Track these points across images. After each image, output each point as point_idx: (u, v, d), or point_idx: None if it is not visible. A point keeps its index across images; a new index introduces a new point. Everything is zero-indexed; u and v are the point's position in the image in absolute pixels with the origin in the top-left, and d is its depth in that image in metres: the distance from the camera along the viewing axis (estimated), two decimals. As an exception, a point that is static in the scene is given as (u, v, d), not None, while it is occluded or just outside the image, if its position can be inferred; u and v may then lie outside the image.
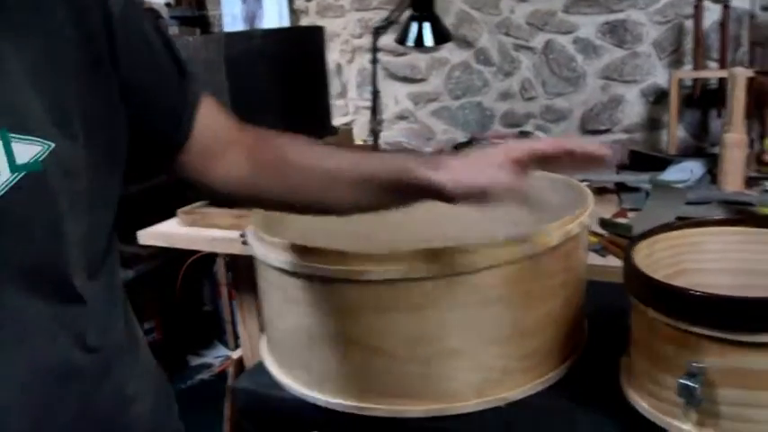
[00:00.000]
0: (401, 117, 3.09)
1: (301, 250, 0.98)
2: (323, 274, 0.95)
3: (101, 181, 0.76)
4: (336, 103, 3.19)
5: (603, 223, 1.69)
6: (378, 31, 2.33)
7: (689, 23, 2.54)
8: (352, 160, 0.89)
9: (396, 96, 3.08)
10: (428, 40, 2.16)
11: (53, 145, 0.67)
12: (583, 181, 2.00)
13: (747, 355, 0.80)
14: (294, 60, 1.98)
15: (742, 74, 2.04)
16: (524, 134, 2.70)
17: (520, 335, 1.00)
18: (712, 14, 2.52)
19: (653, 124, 2.75)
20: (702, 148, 2.62)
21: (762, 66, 2.40)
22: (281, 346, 1.12)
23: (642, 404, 0.92)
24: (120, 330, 0.84)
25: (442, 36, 2.21)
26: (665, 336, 0.85)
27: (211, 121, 0.88)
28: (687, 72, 2.57)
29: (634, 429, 0.92)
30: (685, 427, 0.85)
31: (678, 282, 1.04)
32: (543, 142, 0.89)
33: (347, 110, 3.21)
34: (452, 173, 0.81)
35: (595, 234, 1.62)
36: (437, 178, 0.81)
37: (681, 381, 0.82)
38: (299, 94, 1.98)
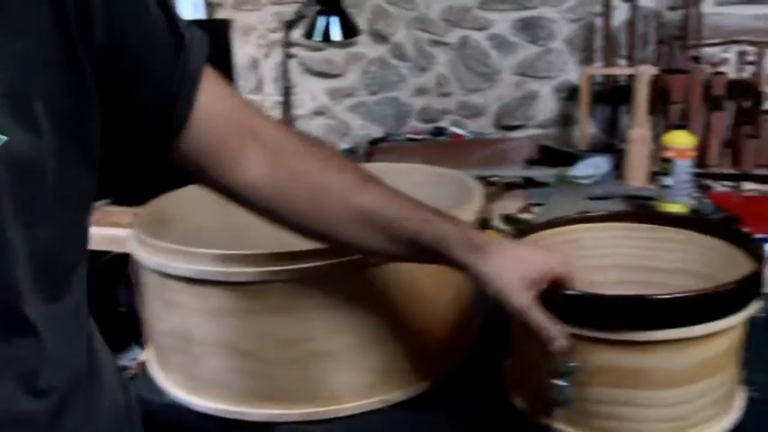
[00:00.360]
0: (318, 113, 3.05)
1: (175, 252, 0.94)
2: (194, 276, 0.92)
3: (70, 179, 0.61)
4: (253, 98, 3.14)
5: (506, 219, 1.69)
6: (290, 26, 2.29)
7: (599, 21, 2.57)
8: (389, 204, 0.80)
9: (312, 92, 3.04)
10: (336, 34, 2.13)
11: (4, 138, 0.54)
12: (492, 176, 2.01)
13: (617, 354, 0.80)
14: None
15: (646, 72, 2.08)
16: (440, 130, 2.69)
17: (401, 335, 0.98)
18: (621, 13, 2.55)
19: (566, 120, 2.78)
20: (612, 143, 2.65)
21: (667, 64, 2.45)
22: (162, 350, 1.08)
23: (522, 404, 0.91)
24: (80, 364, 0.68)
25: (349, 31, 2.18)
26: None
27: (218, 101, 0.73)
28: (597, 69, 2.60)
29: (516, 430, 0.92)
30: (560, 426, 0.85)
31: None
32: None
33: (264, 105, 3.16)
34: (496, 268, 0.78)
35: (498, 230, 1.62)
36: (481, 271, 0.78)
37: (553, 380, 0.81)
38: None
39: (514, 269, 0.78)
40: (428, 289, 1.00)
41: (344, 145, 2.72)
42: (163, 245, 0.95)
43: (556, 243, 1.06)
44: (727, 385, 0.84)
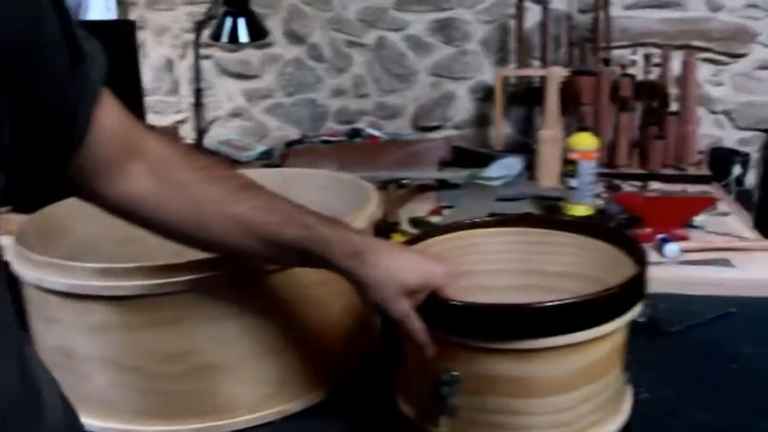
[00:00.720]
0: (235, 114, 3.01)
1: (54, 266, 0.90)
2: (73, 291, 0.88)
3: None
4: (168, 100, 3.08)
5: (413, 222, 1.69)
6: (199, 27, 2.25)
7: (513, 23, 2.60)
8: (268, 211, 0.80)
9: (229, 93, 2.99)
10: (243, 36, 2.10)
11: None
12: (404, 178, 2.01)
13: (500, 363, 0.80)
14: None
15: (556, 73, 2.11)
16: (356, 131, 2.69)
17: (295, 345, 0.97)
18: (534, 15, 2.58)
19: (482, 121, 2.80)
20: (528, 143, 2.68)
21: (579, 66, 2.49)
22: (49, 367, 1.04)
23: (410, 412, 0.91)
24: (12, 389, 0.61)
25: (257, 32, 2.15)
26: (451, 351, 0.84)
27: (112, 120, 0.75)
28: (511, 70, 2.63)
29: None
30: (444, 434, 0.84)
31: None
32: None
33: (180, 107, 3.10)
34: (376, 277, 0.78)
35: (405, 234, 1.61)
36: (361, 277, 0.79)
37: (435, 389, 0.81)
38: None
39: (394, 276, 0.78)
40: (320, 297, 0.98)
41: (261, 147, 2.68)
42: (40, 258, 0.91)
43: (453, 248, 1.06)
44: (612, 389, 0.85)
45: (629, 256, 0.91)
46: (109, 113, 0.74)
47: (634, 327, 1.17)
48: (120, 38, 1.99)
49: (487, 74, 2.73)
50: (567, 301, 0.77)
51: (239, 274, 0.89)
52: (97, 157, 0.74)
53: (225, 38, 2.11)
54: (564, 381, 0.80)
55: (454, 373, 0.80)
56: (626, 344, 0.84)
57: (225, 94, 2.99)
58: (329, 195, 1.25)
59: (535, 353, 0.78)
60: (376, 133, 2.68)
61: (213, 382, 0.93)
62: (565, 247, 1.03)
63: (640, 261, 0.87)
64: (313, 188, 1.29)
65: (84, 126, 0.71)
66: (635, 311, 0.83)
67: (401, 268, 0.79)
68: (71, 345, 0.93)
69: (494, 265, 1.07)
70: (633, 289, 0.83)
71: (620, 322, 0.81)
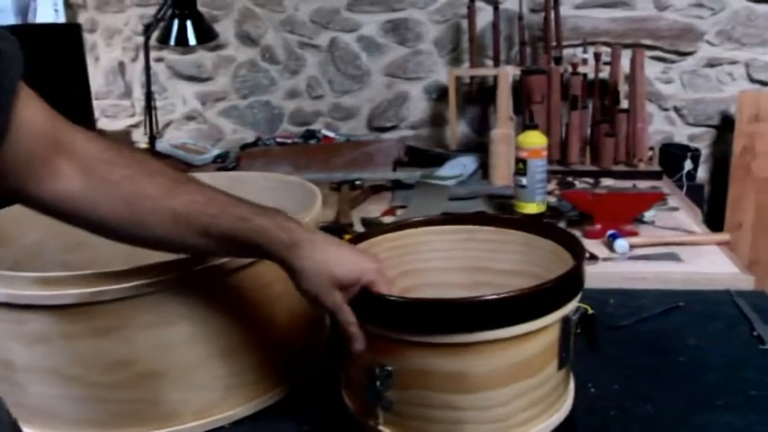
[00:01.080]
0: (190, 117, 2.98)
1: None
2: (8, 301, 0.86)
3: None
4: (121, 104, 3.04)
5: (365, 222, 1.69)
6: (148, 29, 2.23)
7: (465, 23, 2.61)
8: (204, 203, 0.80)
9: (183, 96, 2.96)
10: (191, 38, 2.08)
11: None
12: (357, 179, 2.01)
13: (428, 357, 0.80)
14: (46, 60, 1.85)
15: (506, 72, 2.12)
16: (311, 133, 2.68)
17: (239, 351, 0.96)
18: (486, 15, 2.60)
19: (437, 120, 2.81)
20: (483, 143, 2.70)
21: (531, 65, 2.51)
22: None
23: (351, 405, 0.91)
24: None
25: (205, 34, 2.14)
26: (384, 346, 0.84)
27: (34, 117, 0.73)
28: (464, 70, 2.64)
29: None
30: (383, 428, 0.84)
31: (403, 282, 1.04)
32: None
33: (134, 110, 3.06)
34: (309, 267, 0.79)
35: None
36: (296, 267, 0.80)
37: (370, 384, 0.81)
38: (53, 96, 1.85)
39: (327, 268, 0.79)
40: (266, 301, 0.98)
41: (216, 150, 2.66)
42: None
43: (402, 246, 1.06)
44: (549, 385, 0.84)
45: (570, 254, 0.92)
46: (30, 111, 0.73)
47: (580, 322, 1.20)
48: (66, 41, 1.95)
49: (441, 74, 2.75)
50: (498, 296, 0.77)
51: (180, 280, 0.88)
52: (21, 156, 0.73)
53: (173, 40, 2.09)
54: (497, 376, 0.80)
55: (387, 368, 0.80)
56: (564, 340, 0.84)
57: (179, 98, 2.97)
58: (276, 198, 1.24)
59: (467, 347, 0.78)
60: (331, 134, 2.68)
61: (157, 390, 0.92)
62: (511, 245, 1.04)
63: (578, 257, 0.87)
64: (260, 191, 1.28)
65: (2, 123, 0.70)
66: (570, 307, 0.83)
67: (334, 262, 0.80)
68: (10, 356, 0.91)
69: (442, 263, 1.07)
70: (567, 285, 0.83)
71: (554, 317, 0.81)
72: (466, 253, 1.08)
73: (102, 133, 2.32)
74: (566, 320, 0.84)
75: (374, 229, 1.08)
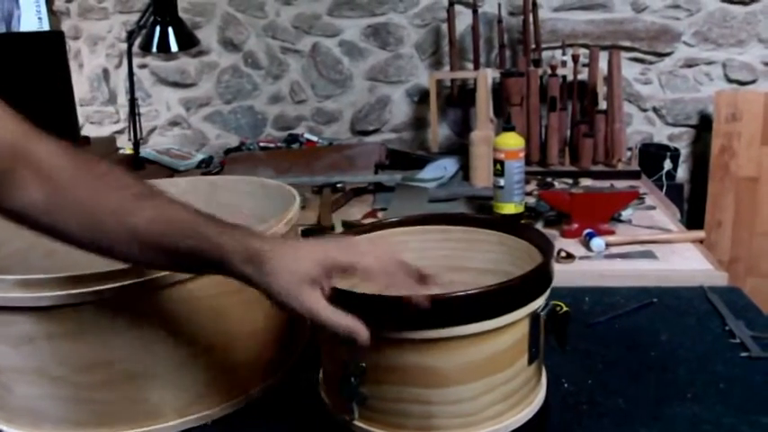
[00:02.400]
0: (174, 123, 2.99)
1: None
2: (-10, 303, 0.88)
3: None
4: (106, 110, 3.05)
5: (345, 225, 1.71)
6: (131, 36, 2.24)
7: (445, 27, 2.64)
8: (167, 221, 0.78)
9: (167, 102, 2.98)
10: (173, 45, 2.10)
11: None
12: (338, 182, 2.03)
13: (399, 353, 0.82)
14: (30, 68, 1.86)
15: (485, 75, 2.15)
16: (294, 137, 2.70)
17: (218, 350, 0.98)
18: (466, 18, 2.62)
19: (419, 123, 2.84)
20: (464, 145, 2.72)
21: (510, 67, 2.54)
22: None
23: (329, 403, 0.93)
24: None
25: (186, 41, 2.15)
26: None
27: None
28: (444, 73, 2.67)
29: (324, 427, 0.94)
30: (357, 423, 0.87)
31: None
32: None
33: (118, 117, 3.07)
34: (273, 277, 0.76)
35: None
36: (261, 284, 0.77)
37: (344, 379, 0.84)
38: (36, 104, 1.86)
39: (292, 272, 0.76)
40: (245, 300, 0.99)
41: (200, 155, 2.67)
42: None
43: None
44: (519, 380, 0.86)
45: (540, 251, 0.94)
46: None
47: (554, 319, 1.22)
48: (49, 49, 1.97)
49: (422, 77, 2.77)
50: (466, 293, 0.79)
51: (158, 283, 0.90)
52: None
53: (155, 47, 2.11)
54: (467, 371, 0.82)
55: (361, 364, 0.82)
56: (533, 335, 0.86)
57: (163, 103, 2.98)
58: (255, 201, 1.26)
59: (438, 343, 0.80)
60: (314, 139, 2.70)
61: (138, 389, 0.93)
62: (486, 245, 1.06)
63: (545, 255, 0.90)
64: (240, 194, 1.30)
65: None
66: (538, 303, 0.85)
67: (297, 260, 0.77)
68: (-5, 359, 0.93)
69: (418, 263, 1.09)
70: (535, 281, 0.85)
71: (522, 313, 0.83)
72: (441, 252, 1.10)
73: (86, 140, 2.34)
74: (535, 316, 0.86)
75: (352, 229, 1.10)
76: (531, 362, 0.87)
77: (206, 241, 0.77)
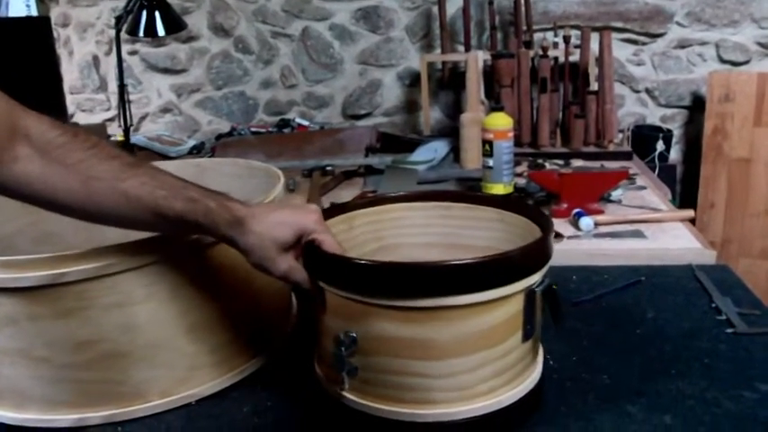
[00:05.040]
0: (165, 110, 2.98)
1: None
2: (-27, 284, 0.87)
3: None
4: (96, 98, 3.04)
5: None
6: (119, 21, 2.23)
7: (436, 9, 2.63)
8: (155, 186, 0.84)
9: (158, 89, 2.97)
10: (159, 29, 2.09)
11: None
12: (328, 165, 2.03)
13: (391, 322, 0.81)
14: (15, 54, 1.85)
15: (475, 57, 2.14)
16: (285, 122, 2.69)
17: (204, 329, 0.98)
18: (457, 1, 2.61)
19: (411, 107, 2.83)
20: (456, 127, 2.71)
21: (501, 49, 2.53)
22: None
23: (321, 375, 0.93)
24: None
25: (173, 25, 2.14)
26: (331, 306, 0.87)
27: None
28: (435, 56, 2.66)
29: (321, 405, 0.93)
30: (345, 394, 0.87)
31: (380, 256, 1.06)
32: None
33: (109, 104, 3.06)
34: (254, 243, 0.84)
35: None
36: (241, 243, 0.85)
37: (335, 350, 0.84)
38: (23, 90, 1.85)
39: (269, 236, 0.84)
40: (231, 279, 0.99)
41: (192, 142, 2.67)
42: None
43: (377, 221, 1.07)
44: (513, 356, 0.85)
45: (539, 227, 0.94)
46: None
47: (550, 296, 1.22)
48: (36, 35, 1.95)
49: (413, 60, 2.77)
50: (461, 262, 0.79)
51: (142, 261, 0.89)
52: None
53: (142, 31, 2.10)
54: (462, 343, 0.81)
55: (351, 334, 0.83)
56: (528, 311, 0.85)
57: (153, 90, 2.97)
58: (242, 183, 1.26)
59: (432, 313, 0.80)
60: (305, 123, 2.70)
61: (123, 369, 0.93)
62: (486, 222, 1.05)
63: (545, 231, 0.89)
64: (226, 177, 1.29)
65: None
66: (534, 278, 0.85)
67: (272, 227, 0.85)
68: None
69: (417, 239, 1.09)
70: (532, 255, 0.84)
71: (518, 287, 0.82)
72: (443, 230, 1.08)
73: (76, 126, 2.33)
74: (530, 292, 0.85)
75: (350, 203, 1.08)
76: (525, 338, 0.86)
77: (195, 203, 0.84)
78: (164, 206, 0.83)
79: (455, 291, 0.79)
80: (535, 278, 0.86)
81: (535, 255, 0.86)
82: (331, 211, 1.03)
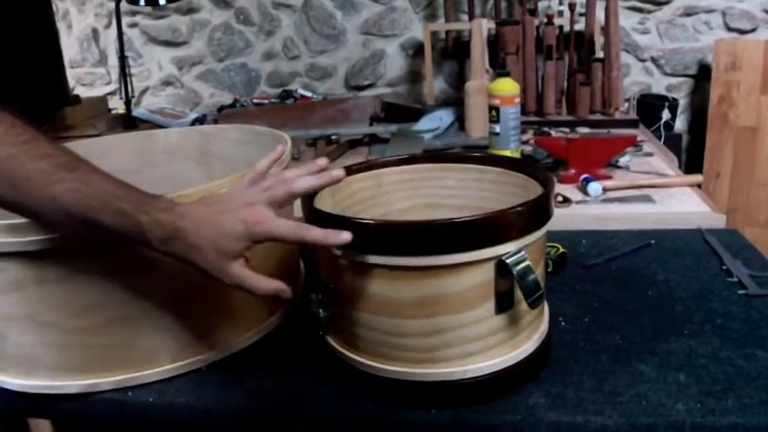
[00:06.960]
0: (167, 83, 2.97)
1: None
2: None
3: None
4: (97, 71, 3.02)
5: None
6: (119, -8, 2.21)
7: (439, -23, 2.60)
8: (85, 195, 0.77)
9: (159, 61, 2.95)
10: (161, -3, 2.07)
11: None
12: (333, 134, 2.01)
13: (365, 278, 0.82)
14: (13, 29, 1.82)
15: (479, 25, 2.12)
16: (288, 93, 2.67)
17: (213, 292, 0.96)
18: (460, -32, 2.59)
19: (414, 77, 2.81)
20: (461, 97, 2.69)
21: (505, 17, 2.50)
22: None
23: (332, 342, 0.93)
24: None
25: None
26: (326, 264, 0.88)
27: None
28: (439, 25, 2.64)
29: (332, 366, 0.93)
30: (333, 342, 0.91)
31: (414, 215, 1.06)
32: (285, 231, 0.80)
33: (110, 78, 3.04)
34: (195, 253, 0.78)
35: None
36: (186, 261, 0.79)
37: (312, 294, 0.88)
38: (23, 64, 1.83)
39: (216, 250, 0.78)
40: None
41: (194, 114, 2.65)
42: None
43: (413, 179, 1.07)
44: (488, 324, 0.83)
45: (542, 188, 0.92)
46: None
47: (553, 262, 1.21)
48: (35, 9, 1.93)
49: (417, 30, 2.74)
50: (436, 222, 0.77)
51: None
52: None
53: (142, 1, 2.07)
54: (416, 305, 0.81)
55: (330, 285, 0.85)
56: (500, 283, 0.82)
57: (154, 63, 2.95)
58: (247, 148, 1.25)
59: (393, 271, 0.80)
60: (308, 94, 2.68)
61: (132, 333, 0.92)
62: (488, 183, 1.03)
63: (547, 188, 0.87)
64: (231, 143, 1.28)
65: None
66: (505, 248, 0.80)
67: (214, 238, 0.78)
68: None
69: (454, 201, 1.07)
70: (530, 214, 0.82)
71: (486, 254, 0.79)
72: (479, 193, 1.05)
73: (77, 99, 2.31)
74: (500, 263, 0.80)
75: (358, 167, 1.06)
76: (500, 311, 0.83)
77: (124, 219, 0.78)
78: (92, 219, 0.77)
79: (452, 249, 0.78)
80: (507, 248, 0.81)
81: (540, 211, 0.84)
82: (359, 168, 1.03)
